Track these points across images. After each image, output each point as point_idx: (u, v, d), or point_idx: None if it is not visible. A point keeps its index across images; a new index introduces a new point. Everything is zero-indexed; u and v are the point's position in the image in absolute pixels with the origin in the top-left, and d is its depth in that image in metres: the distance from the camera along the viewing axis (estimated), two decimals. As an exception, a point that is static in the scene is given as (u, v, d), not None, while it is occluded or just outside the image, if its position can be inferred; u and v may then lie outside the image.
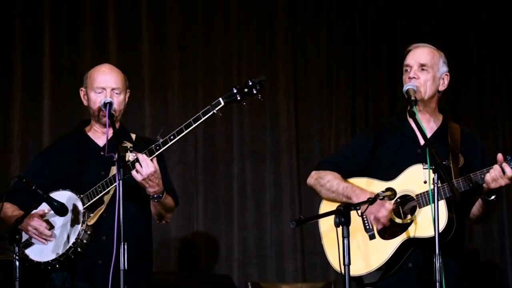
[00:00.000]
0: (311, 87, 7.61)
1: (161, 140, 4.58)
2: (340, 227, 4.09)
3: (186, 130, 4.55)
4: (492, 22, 7.77)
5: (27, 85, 7.15)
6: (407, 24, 7.71)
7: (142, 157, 4.52)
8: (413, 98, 4.45)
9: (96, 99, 4.82)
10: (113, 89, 4.84)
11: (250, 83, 4.52)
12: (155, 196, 4.65)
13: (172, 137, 4.57)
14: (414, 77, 4.55)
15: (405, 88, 4.51)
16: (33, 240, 4.74)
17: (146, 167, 4.51)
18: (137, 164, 4.52)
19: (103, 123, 4.82)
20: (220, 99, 4.53)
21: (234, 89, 4.53)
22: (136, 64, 7.29)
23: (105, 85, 4.84)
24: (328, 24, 7.66)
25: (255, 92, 4.52)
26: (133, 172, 4.53)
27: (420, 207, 4.42)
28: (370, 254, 4.50)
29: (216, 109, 4.52)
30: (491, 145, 7.48)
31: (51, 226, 4.74)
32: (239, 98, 4.52)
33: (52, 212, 4.68)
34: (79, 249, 4.63)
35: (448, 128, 4.61)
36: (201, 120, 4.54)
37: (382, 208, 4.44)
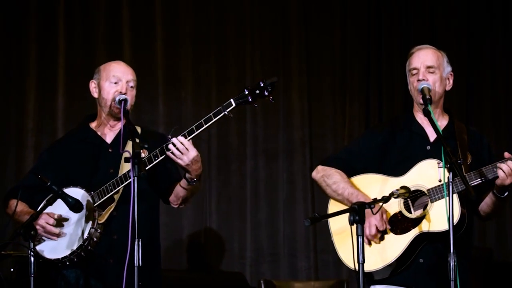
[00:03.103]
0: (324, 86, 7.61)
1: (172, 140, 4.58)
2: (355, 225, 4.09)
3: (197, 130, 4.52)
4: (506, 23, 7.75)
5: (42, 82, 7.17)
6: (421, 23, 7.70)
7: (180, 143, 4.48)
8: (428, 96, 4.47)
9: (110, 90, 4.81)
10: (128, 81, 4.83)
11: (262, 85, 4.47)
12: (193, 180, 4.62)
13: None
14: (423, 79, 4.57)
15: (420, 86, 4.53)
16: (43, 237, 4.74)
17: (187, 152, 4.48)
18: (174, 150, 4.47)
19: (114, 114, 4.81)
20: (232, 100, 4.50)
21: (245, 90, 4.49)
22: (150, 62, 7.31)
23: (122, 75, 4.82)
24: (342, 23, 7.66)
25: (266, 94, 4.48)
26: (173, 157, 4.49)
27: (432, 202, 4.43)
28: (382, 249, 4.50)
29: (227, 110, 4.49)
30: (505, 147, 7.44)
31: (61, 224, 4.73)
32: (250, 99, 4.48)
33: (63, 210, 4.68)
34: (89, 247, 4.62)
35: (455, 126, 4.63)
36: (212, 121, 4.52)
37: (373, 226, 4.48)
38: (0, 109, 7.12)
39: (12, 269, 5.85)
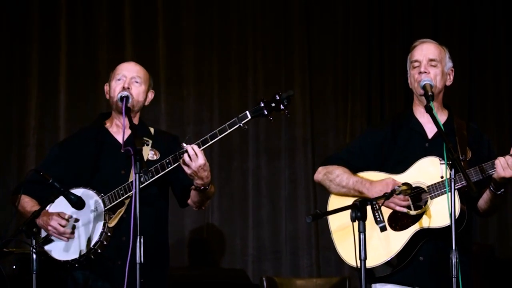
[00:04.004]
0: (326, 83, 7.61)
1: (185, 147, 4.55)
2: (357, 221, 4.08)
3: (211, 140, 4.51)
4: (508, 21, 7.74)
5: (44, 80, 7.18)
6: (423, 20, 7.70)
7: (191, 149, 4.46)
8: (430, 93, 4.46)
9: (116, 87, 4.79)
10: (132, 77, 4.82)
11: (278, 98, 4.45)
12: (201, 188, 4.60)
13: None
14: (425, 72, 4.56)
15: (422, 83, 4.51)
16: (52, 237, 4.72)
17: (196, 159, 4.46)
18: (185, 156, 4.46)
19: (119, 111, 4.77)
20: (247, 112, 4.49)
21: (261, 103, 4.47)
22: (152, 60, 7.30)
23: (126, 73, 4.81)
24: (344, 21, 7.66)
25: (282, 107, 4.46)
26: (182, 164, 4.49)
27: (431, 199, 4.43)
28: (381, 246, 4.49)
29: (243, 122, 4.48)
30: (508, 145, 7.43)
31: (71, 226, 4.69)
32: (266, 112, 4.47)
33: (72, 212, 4.68)
34: (99, 250, 4.61)
35: (454, 122, 4.63)
36: (227, 132, 4.50)
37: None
38: (2, 108, 7.13)
39: (14, 266, 5.86)
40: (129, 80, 4.79)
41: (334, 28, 7.67)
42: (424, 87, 4.49)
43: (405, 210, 4.45)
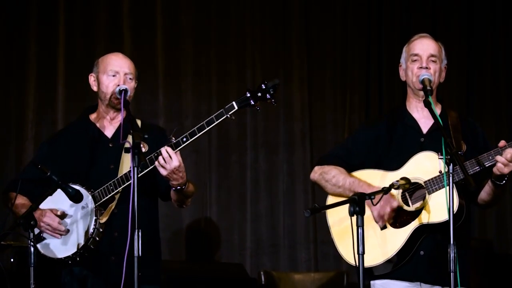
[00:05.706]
0: (325, 77, 7.62)
1: (174, 140, 4.54)
2: (355, 216, 4.07)
3: (199, 132, 4.52)
4: (507, 19, 7.74)
5: (42, 73, 7.17)
6: (422, 16, 7.70)
7: (165, 152, 4.47)
8: (428, 88, 4.45)
9: (109, 83, 4.78)
10: (126, 74, 4.80)
11: (264, 87, 4.45)
12: (178, 188, 4.61)
13: (185, 139, 4.52)
14: (427, 67, 4.56)
15: (421, 77, 4.51)
16: (44, 235, 4.71)
17: (170, 161, 4.47)
18: (160, 159, 4.47)
19: (113, 106, 4.78)
20: (234, 103, 4.49)
21: (247, 93, 4.47)
22: (150, 53, 7.30)
23: (119, 69, 4.79)
24: (343, 15, 7.67)
25: (268, 96, 4.46)
26: (157, 166, 4.50)
27: (429, 194, 4.42)
28: (382, 244, 4.48)
29: (230, 113, 4.49)
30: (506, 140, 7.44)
31: (64, 223, 4.69)
32: (252, 102, 4.46)
33: (63, 209, 4.67)
34: (91, 246, 4.61)
35: (448, 116, 4.61)
36: (214, 124, 4.52)
37: (387, 205, 4.45)
38: (0, 101, 7.11)
39: (12, 260, 5.85)
40: (123, 77, 4.79)
41: (332, 22, 7.67)
42: (423, 82, 4.49)
43: (396, 204, 4.45)
